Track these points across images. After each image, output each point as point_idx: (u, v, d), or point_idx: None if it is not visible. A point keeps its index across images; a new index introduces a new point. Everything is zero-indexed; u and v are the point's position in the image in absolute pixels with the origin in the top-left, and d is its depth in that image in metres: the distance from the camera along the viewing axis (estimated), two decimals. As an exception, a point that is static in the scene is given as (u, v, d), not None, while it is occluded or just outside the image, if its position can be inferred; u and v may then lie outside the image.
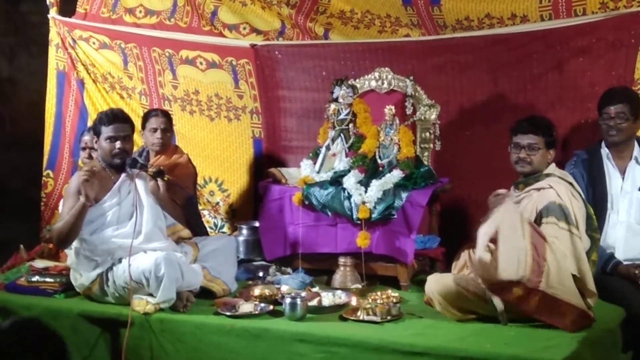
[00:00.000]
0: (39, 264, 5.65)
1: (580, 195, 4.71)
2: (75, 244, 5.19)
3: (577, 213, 4.59)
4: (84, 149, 6.43)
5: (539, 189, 4.71)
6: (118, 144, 5.28)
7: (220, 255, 5.49)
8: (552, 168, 4.86)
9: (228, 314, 4.89)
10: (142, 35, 7.31)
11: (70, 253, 5.28)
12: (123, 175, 5.35)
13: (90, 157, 6.23)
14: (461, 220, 6.08)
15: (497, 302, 4.50)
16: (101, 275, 5.15)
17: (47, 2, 7.48)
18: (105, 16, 7.50)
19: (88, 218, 5.14)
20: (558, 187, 4.64)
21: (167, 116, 6.42)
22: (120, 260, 5.13)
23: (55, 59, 7.59)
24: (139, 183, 5.34)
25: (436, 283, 4.78)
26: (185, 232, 5.54)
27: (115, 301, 5.14)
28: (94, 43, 7.45)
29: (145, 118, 6.41)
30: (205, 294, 5.30)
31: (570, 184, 4.70)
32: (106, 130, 5.26)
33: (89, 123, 7.37)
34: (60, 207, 5.40)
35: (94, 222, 5.20)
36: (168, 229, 5.42)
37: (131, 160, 5.31)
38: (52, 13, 7.52)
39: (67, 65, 7.54)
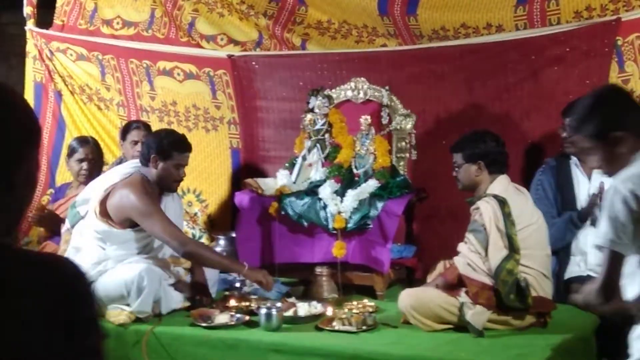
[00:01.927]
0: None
1: (509, 214, 4.69)
2: (90, 251, 5.18)
3: (492, 231, 4.63)
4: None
5: (477, 208, 4.76)
6: (182, 172, 5.32)
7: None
8: (494, 186, 4.86)
9: (204, 325, 4.87)
10: (120, 46, 7.30)
11: (74, 255, 5.19)
12: (162, 197, 5.38)
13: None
14: (437, 229, 6.09)
15: (477, 324, 4.55)
16: None
17: (24, 14, 7.47)
18: (82, 28, 7.49)
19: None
20: (484, 207, 4.69)
21: (148, 129, 6.41)
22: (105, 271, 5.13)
23: (32, 71, 7.57)
24: (169, 202, 5.43)
25: (408, 297, 4.79)
26: (187, 264, 5.50)
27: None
28: (71, 55, 7.44)
29: (126, 129, 6.41)
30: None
31: (502, 201, 4.71)
32: (179, 158, 5.25)
33: (67, 134, 7.37)
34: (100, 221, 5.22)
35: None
36: (170, 258, 5.41)
37: None
38: (29, 25, 7.50)
39: (44, 77, 7.52)
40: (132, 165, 5.43)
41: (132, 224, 5.15)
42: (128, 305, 4.98)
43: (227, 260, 5.42)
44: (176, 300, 5.19)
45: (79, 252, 5.20)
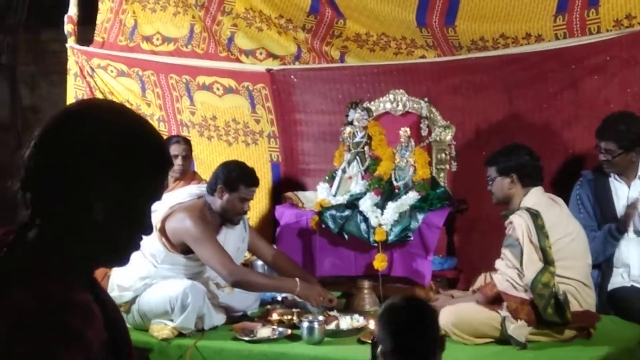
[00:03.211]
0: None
1: (543, 226, 4.66)
2: (142, 266, 5.19)
3: (525, 244, 4.60)
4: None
5: (510, 223, 4.73)
6: (246, 206, 5.33)
7: (245, 299, 5.50)
8: (528, 198, 4.84)
9: (246, 339, 4.88)
10: (159, 62, 7.37)
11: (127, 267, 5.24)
12: (224, 227, 5.37)
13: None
14: (478, 241, 6.07)
15: (519, 337, 4.52)
16: (133, 299, 5.19)
17: (65, 32, 7.56)
18: (122, 44, 7.57)
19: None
20: (517, 221, 4.66)
21: (187, 143, 6.48)
22: (150, 285, 5.16)
23: (74, 88, 7.65)
24: (230, 234, 5.41)
25: (449, 315, 4.74)
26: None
27: (133, 326, 5.17)
28: (112, 71, 7.52)
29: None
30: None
31: (535, 214, 4.67)
32: (245, 192, 5.27)
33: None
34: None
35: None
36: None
37: None
38: (70, 42, 7.58)
39: (85, 93, 7.59)
40: (202, 188, 5.45)
41: (185, 250, 5.17)
42: (171, 320, 5.00)
43: (278, 281, 5.37)
44: (218, 317, 5.21)
45: (130, 263, 5.21)
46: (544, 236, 4.57)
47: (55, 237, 1.74)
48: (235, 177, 5.24)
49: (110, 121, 1.78)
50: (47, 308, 1.62)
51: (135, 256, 5.14)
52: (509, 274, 4.61)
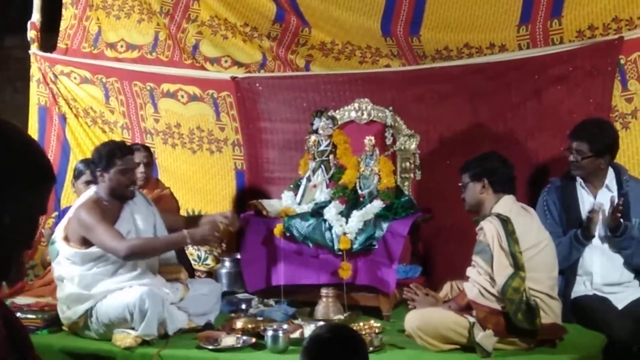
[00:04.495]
0: (21, 300, 5.61)
1: (513, 232, 4.68)
2: (71, 276, 5.14)
3: (495, 249, 4.61)
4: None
5: (480, 229, 4.75)
6: (131, 176, 5.29)
7: (205, 302, 5.46)
8: (499, 205, 4.84)
9: (210, 347, 4.86)
10: (123, 69, 7.32)
11: (61, 285, 5.21)
12: (126, 205, 5.33)
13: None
14: (443, 249, 6.09)
15: (487, 346, 4.53)
16: (87, 311, 5.12)
17: (28, 38, 7.49)
18: (86, 51, 7.51)
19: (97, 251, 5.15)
20: (487, 226, 4.68)
21: (148, 150, 6.43)
22: (105, 296, 5.11)
23: (37, 95, 7.58)
24: (136, 212, 5.36)
25: (415, 318, 4.77)
26: (184, 275, 5.51)
27: (98, 337, 5.12)
28: (75, 78, 7.46)
29: (127, 153, 6.42)
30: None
31: (505, 220, 4.69)
32: (121, 163, 5.22)
33: (72, 157, 7.36)
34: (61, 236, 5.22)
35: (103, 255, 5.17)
36: (165, 267, 5.41)
37: None
38: (33, 49, 7.51)
39: (48, 100, 7.53)
40: (95, 188, 5.40)
41: (90, 243, 5.14)
42: (133, 328, 4.97)
43: (167, 238, 5.33)
44: (181, 320, 5.19)
45: (62, 281, 5.20)
46: (514, 242, 4.58)
47: None
48: (106, 154, 5.25)
49: (5, 134, 1.89)
50: None
51: (62, 271, 5.13)
52: (479, 281, 4.62)
